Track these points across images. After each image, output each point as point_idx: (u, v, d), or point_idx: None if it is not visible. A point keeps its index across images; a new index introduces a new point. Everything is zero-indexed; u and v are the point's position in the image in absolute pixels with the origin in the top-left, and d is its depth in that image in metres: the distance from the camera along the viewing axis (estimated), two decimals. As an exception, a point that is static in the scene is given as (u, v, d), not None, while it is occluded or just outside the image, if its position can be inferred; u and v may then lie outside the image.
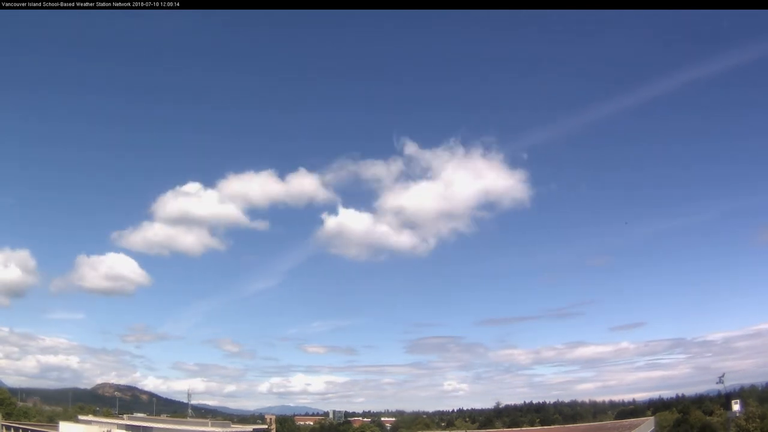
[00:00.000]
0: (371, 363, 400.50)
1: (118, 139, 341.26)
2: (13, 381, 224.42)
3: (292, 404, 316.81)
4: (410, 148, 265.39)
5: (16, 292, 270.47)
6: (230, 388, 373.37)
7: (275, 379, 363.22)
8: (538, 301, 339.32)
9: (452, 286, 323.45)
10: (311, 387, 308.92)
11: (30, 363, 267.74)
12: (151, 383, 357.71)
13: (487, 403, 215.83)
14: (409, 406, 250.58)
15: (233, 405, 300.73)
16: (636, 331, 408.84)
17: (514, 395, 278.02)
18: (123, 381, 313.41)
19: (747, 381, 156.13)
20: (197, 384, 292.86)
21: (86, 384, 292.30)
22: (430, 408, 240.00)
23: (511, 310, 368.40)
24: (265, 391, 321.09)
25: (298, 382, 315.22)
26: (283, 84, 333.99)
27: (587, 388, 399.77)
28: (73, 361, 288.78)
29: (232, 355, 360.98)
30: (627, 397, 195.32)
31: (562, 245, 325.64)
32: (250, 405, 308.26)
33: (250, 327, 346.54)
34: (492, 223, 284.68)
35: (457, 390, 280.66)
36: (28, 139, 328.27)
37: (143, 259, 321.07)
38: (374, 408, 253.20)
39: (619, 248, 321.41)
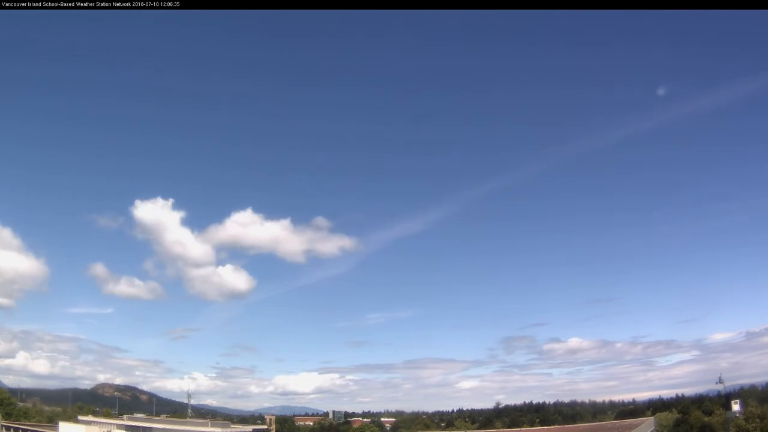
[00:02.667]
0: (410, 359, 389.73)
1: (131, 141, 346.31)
2: (11, 381, 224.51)
3: (292, 404, 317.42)
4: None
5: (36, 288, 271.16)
6: (231, 388, 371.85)
7: (277, 380, 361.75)
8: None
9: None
10: (315, 387, 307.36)
11: (41, 361, 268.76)
12: (167, 384, 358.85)
13: (488, 403, 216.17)
14: (412, 406, 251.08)
15: (233, 405, 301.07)
16: (637, 331, 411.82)
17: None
18: (122, 381, 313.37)
19: (747, 381, 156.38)
20: (199, 384, 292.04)
21: (86, 384, 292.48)
22: (430, 408, 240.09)
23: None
24: (266, 391, 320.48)
25: (300, 381, 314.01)
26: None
27: (587, 388, 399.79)
28: (80, 359, 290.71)
29: (242, 356, 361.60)
30: (627, 397, 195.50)
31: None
32: (250, 405, 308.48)
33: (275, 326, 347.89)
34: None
35: (474, 388, 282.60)
36: (34, 140, 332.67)
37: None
38: (379, 408, 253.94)
39: (620, 250, 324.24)
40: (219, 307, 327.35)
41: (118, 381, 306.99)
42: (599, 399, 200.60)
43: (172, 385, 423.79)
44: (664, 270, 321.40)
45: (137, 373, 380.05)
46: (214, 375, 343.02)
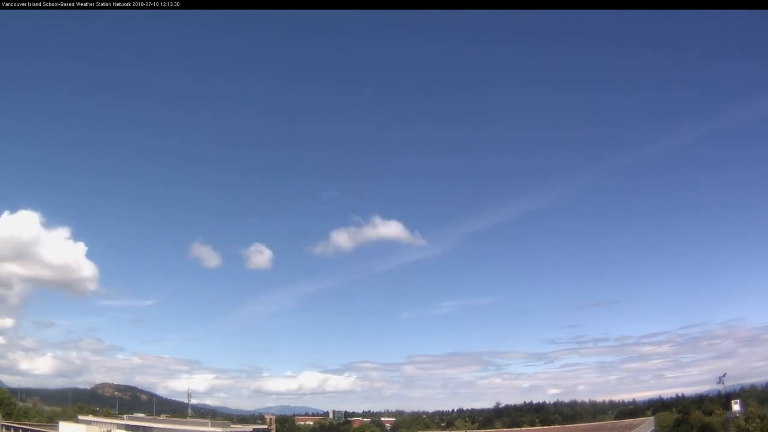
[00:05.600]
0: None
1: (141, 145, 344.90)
2: (11, 381, 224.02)
3: (291, 404, 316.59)
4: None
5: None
6: (232, 387, 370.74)
7: (277, 379, 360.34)
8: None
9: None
10: (319, 387, 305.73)
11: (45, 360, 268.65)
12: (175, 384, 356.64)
13: (488, 403, 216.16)
14: (412, 406, 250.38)
15: (233, 405, 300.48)
16: (637, 329, 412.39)
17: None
18: (123, 381, 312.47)
19: (747, 381, 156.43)
20: (200, 383, 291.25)
21: (86, 384, 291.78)
22: (430, 408, 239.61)
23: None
24: (271, 391, 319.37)
25: (302, 381, 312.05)
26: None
27: (585, 389, 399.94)
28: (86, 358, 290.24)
29: (258, 355, 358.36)
30: (627, 397, 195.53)
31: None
32: (250, 405, 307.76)
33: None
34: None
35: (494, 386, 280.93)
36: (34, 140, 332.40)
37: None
38: (381, 407, 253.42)
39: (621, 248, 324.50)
40: (253, 304, 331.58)
41: (141, 380, 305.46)
42: (599, 399, 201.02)
43: (181, 385, 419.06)
44: (667, 271, 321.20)
45: (151, 372, 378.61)
46: (215, 375, 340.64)
